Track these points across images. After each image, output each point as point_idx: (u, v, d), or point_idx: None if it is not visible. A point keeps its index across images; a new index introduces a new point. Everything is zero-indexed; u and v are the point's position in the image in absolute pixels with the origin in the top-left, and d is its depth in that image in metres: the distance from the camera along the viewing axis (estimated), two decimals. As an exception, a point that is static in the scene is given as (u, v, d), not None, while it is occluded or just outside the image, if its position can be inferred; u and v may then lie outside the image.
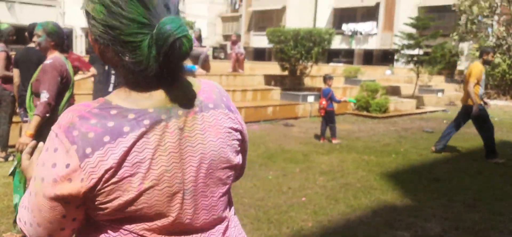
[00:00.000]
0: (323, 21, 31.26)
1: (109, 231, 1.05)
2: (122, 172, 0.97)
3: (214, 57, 32.44)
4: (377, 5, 28.59)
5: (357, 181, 5.79)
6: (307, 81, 13.24)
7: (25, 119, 5.00)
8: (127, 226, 1.04)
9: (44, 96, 3.23)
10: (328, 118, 8.26)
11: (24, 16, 17.74)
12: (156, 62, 0.98)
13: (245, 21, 35.12)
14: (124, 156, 0.97)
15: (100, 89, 5.53)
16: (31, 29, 5.13)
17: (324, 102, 8.23)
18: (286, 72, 12.21)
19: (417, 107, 13.66)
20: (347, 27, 29.97)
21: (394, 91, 15.28)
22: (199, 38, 11.65)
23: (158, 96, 1.04)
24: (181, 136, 1.04)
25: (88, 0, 1.01)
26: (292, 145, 7.86)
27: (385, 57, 27.94)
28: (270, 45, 12.06)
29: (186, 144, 1.05)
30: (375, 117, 11.80)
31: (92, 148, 0.95)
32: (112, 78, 5.33)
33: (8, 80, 5.62)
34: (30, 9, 18.46)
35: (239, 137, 1.21)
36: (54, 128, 1.00)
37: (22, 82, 5.15)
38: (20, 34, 6.37)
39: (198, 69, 11.19)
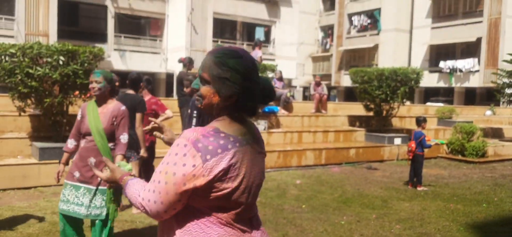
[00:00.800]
0: (418, 59, 30.04)
1: (203, 216, 1.56)
2: (227, 174, 1.51)
3: (304, 98, 32.62)
4: (479, 40, 26.81)
5: (437, 231, 5.43)
6: (396, 122, 12.77)
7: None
8: (216, 214, 1.56)
9: (123, 138, 3.80)
10: (416, 163, 7.87)
11: (133, 63, 19.49)
12: (259, 101, 1.65)
13: (336, 60, 35.02)
14: (229, 164, 1.51)
15: (185, 126, 5.94)
16: (131, 79, 5.71)
17: (413, 145, 7.88)
18: (371, 113, 11.91)
19: (522, 152, 12.40)
20: (445, 65, 28.38)
21: (495, 133, 14.07)
22: (280, 79, 11.92)
23: (242, 128, 1.62)
24: (253, 154, 1.61)
25: (221, 69, 1.57)
26: (371, 190, 7.61)
27: (490, 96, 25.87)
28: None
29: (254, 160, 1.63)
30: (471, 162, 10.95)
31: (211, 155, 1.49)
32: (194, 120, 5.69)
33: None
34: (139, 56, 20.16)
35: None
36: (182, 140, 1.52)
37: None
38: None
39: (280, 110, 11.40)
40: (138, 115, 5.53)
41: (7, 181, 6.34)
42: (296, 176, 8.46)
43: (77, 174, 3.70)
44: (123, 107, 3.82)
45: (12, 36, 14.87)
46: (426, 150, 8.35)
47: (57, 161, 6.66)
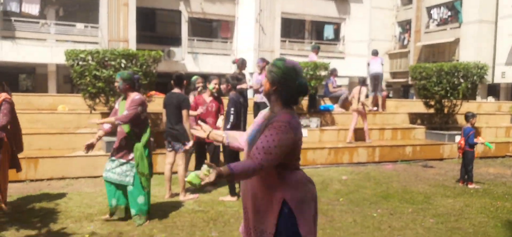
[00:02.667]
0: (504, 52, 27.99)
1: (292, 162, 2.57)
2: (300, 137, 2.54)
3: (387, 97, 31.70)
4: None
5: (470, 226, 5.38)
6: (461, 120, 12.24)
7: (168, 148, 6.23)
8: (294, 161, 2.59)
9: (124, 112, 4.87)
10: (466, 160, 7.68)
11: (205, 65, 20.48)
12: (297, 94, 2.57)
13: (414, 56, 33.67)
14: (301, 134, 2.54)
15: (227, 121, 6.42)
16: (175, 77, 6.37)
17: (462, 142, 7.71)
18: (432, 110, 11.57)
19: None
20: (536, 58, 26.14)
21: None
22: (334, 75, 11.99)
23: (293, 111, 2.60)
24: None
25: (272, 67, 2.55)
26: (418, 187, 7.55)
27: None
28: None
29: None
30: (544, 161, 10.25)
31: (296, 129, 2.51)
32: (231, 117, 6.19)
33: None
34: (211, 58, 21.12)
35: None
36: (284, 122, 2.46)
37: (168, 120, 6.34)
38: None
39: (336, 108, 11.52)
40: (184, 112, 6.14)
41: (79, 170, 7.29)
42: (344, 172, 8.61)
43: (114, 151, 5.03)
44: (137, 97, 4.93)
45: (96, 43, 16.41)
46: (491, 148, 8.30)
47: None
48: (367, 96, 10.65)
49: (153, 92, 9.01)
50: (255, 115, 9.09)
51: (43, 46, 15.64)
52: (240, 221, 5.35)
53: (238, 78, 7.86)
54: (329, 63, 10.65)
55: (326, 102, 11.92)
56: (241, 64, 8.93)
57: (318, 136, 10.19)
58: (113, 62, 7.49)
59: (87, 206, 5.80)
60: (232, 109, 6.22)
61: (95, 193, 6.57)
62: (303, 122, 10.20)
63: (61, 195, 6.28)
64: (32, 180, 7.14)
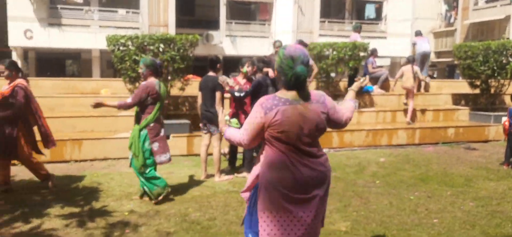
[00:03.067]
0: (560, 29, 26.28)
1: (274, 143, 2.62)
2: (277, 119, 2.55)
3: (431, 77, 30.80)
4: None
5: (512, 211, 5.18)
6: (509, 101, 11.67)
7: (203, 130, 6.36)
8: (276, 143, 2.61)
9: (128, 99, 5.08)
10: (511, 142, 7.37)
11: (243, 48, 20.53)
12: (294, 81, 2.60)
13: (460, 35, 32.24)
14: (277, 113, 2.55)
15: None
16: (210, 61, 6.46)
17: (507, 123, 7.41)
18: (477, 91, 11.10)
19: None
20: None
21: None
22: (374, 55, 11.71)
23: (293, 95, 2.62)
24: (301, 111, 2.58)
25: (280, 59, 2.63)
26: (459, 169, 7.33)
27: None
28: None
29: (304, 116, 2.59)
30: None
31: (269, 110, 2.57)
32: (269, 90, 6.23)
33: None
34: (248, 41, 21.14)
35: (326, 116, 2.71)
36: (257, 103, 2.62)
37: (203, 102, 6.45)
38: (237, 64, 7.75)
39: (375, 89, 11.27)
40: (217, 94, 6.22)
41: (121, 151, 7.56)
42: (382, 155, 8.47)
43: None
44: (144, 83, 5.13)
45: (138, 28, 16.79)
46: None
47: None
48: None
49: (190, 76, 9.15)
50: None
51: (87, 32, 16.16)
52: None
53: (265, 61, 7.86)
54: (368, 44, 10.41)
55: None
56: (279, 47, 8.90)
57: (355, 117, 10.04)
58: (151, 47, 7.66)
59: (127, 185, 6.03)
60: (250, 90, 6.28)
61: (134, 173, 6.80)
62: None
63: (103, 175, 6.56)
64: (76, 161, 7.48)
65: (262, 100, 2.64)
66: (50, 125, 7.85)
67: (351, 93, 3.13)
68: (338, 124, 2.84)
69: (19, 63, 14.03)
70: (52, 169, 6.90)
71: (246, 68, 6.66)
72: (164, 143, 5.24)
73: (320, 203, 2.71)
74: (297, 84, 2.61)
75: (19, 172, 6.70)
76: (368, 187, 6.18)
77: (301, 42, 9.13)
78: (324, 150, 8.14)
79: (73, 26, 16.10)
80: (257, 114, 2.61)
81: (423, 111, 10.69)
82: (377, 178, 6.67)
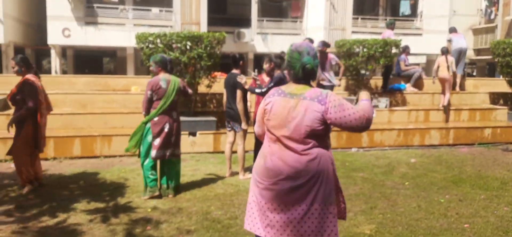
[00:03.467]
0: None
1: (267, 132, 2.73)
2: (268, 108, 2.70)
3: (468, 75, 29.87)
4: None
5: (551, 217, 4.89)
6: (552, 100, 11.10)
7: (228, 128, 6.35)
8: (268, 132, 2.72)
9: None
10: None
11: (275, 45, 20.43)
12: (301, 73, 2.67)
13: (501, 32, 30.92)
14: (269, 103, 2.71)
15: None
16: (232, 58, 6.44)
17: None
18: (517, 90, 10.61)
19: None
20: None
21: None
22: (406, 53, 11.37)
23: (295, 89, 2.67)
24: (291, 105, 2.61)
25: (288, 55, 2.72)
26: (495, 172, 7.01)
27: None
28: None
29: (292, 110, 2.60)
30: None
31: (268, 98, 2.74)
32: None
33: None
34: (280, 39, 21.06)
35: (321, 116, 2.56)
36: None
37: (227, 100, 6.44)
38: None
39: (408, 87, 10.96)
40: (238, 92, 6.18)
41: (148, 147, 7.67)
42: (414, 155, 8.22)
43: None
44: (152, 79, 5.25)
45: (171, 26, 17.01)
46: None
47: (187, 132, 7.81)
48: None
49: (218, 73, 9.17)
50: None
51: (122, 31, 16.50)
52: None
53: (282, 57, 7.75)
54: (400, 40, 10.12)
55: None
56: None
57: (387, 116, 9.79)
58: (179, 45, 7.72)
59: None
60: (271, 85, 6.17)
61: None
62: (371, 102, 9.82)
63: (131, 171, 6.66)
64: (105, 156, 7.64)
65: (271, 91, 2.79)
66: (82, 121, 8.10)
67: (364, 93, 2.83)
68: (347, 125, 2.55)
69: (57, 61, 14.51)
70: (83, 164, 7.11)
71: (264, 66, 6.58)
72: (165, 140, 5.24)
73: (293, 199, 2.59)
74: (306, 75, 2.68)
75: (51, 167, 6.92)
76: (396, 188, 6.00)
77: (324, 44, 9.14)
78: (353, 150, 8.23)
79: (109, 25, 16.47)
80: (262, 103, 2.80)
81: (458, 110, 10.31)
82: (407, 180, 6.47)
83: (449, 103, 10.06)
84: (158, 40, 7.83)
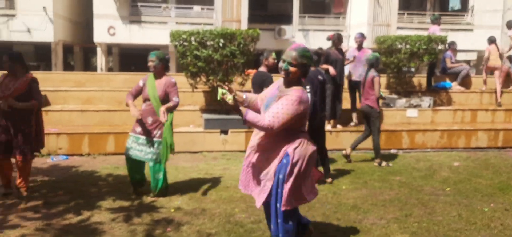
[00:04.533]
0: None
1: (295, 129, 3.26)
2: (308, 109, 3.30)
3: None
4: None
5: None
6: None
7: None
8: (300, 127, 3.32)
9: (176, 100, 5.05)
10: None
11: (316, 42, 20.11)
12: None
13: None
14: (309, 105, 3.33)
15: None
16: (260, 56, 6.28)
17: None
18: None
19: None
20: None
21: None
22: (452, 49, 10.73)
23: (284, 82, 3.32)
24: (273, 95, 3.32)
25: (303, 59, 3.19)
26: (549, 178, 6.42)
27: None
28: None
29: (268, 98, 3.40)
30: None
31: (307, 102, 3.23)
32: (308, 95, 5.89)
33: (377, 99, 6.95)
34: (322, 35, 20.59)
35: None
36: (297, 96, 3.15)
37: (254, 98, 6.28)
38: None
39: (454, 86, 10.34)
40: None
41: (179, 145, 7.60)
42: (458, 158, 7.71)
43: (138, 129, 5.08)
44: (173, 80, 5.06)
45: (212, 24, 17.07)
46: None
47: (219, 130, 7.72)
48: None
49: (250, 71, 9.03)
50: (351, 94, 8.63)
51: (165, 29, 16.71)
52: (325, 205, 5.09)
53: (318, 53, 7.46)
54: (446, 36, 9.55)
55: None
56: (337, 40, 8.38)
57: (430, 116, 9.28)
58: (212, 42, 7.63)
59: (180, 180, 6.04)
60: (308, 87, 5.90)
61: (191, 168, 6.82)
62: (414, 101, 9.35)
63: (161, 169, 6.62)
64: (138, 154, 7.68)
65: (300, 93, 3.20)
66: (117, 118, 8.16)
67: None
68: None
69: (103, 58, 14.92)
70: (116, 160, 7.17)
71: (268, 60, 6.29)
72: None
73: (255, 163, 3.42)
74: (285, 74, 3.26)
75: (85, 163, 7.03)
76: (435, 195, 5.61)
77: (362, 35, 9.02)
78: (392, 151, 7.97)
79: (152, 23, 16.77)
80: (299, 107, 3.18)
81: (508, 111, 9.61)
82: (448, 185, 6.04)
83: (501, 92, 9.75)
84: (192, 38, 7.77)
